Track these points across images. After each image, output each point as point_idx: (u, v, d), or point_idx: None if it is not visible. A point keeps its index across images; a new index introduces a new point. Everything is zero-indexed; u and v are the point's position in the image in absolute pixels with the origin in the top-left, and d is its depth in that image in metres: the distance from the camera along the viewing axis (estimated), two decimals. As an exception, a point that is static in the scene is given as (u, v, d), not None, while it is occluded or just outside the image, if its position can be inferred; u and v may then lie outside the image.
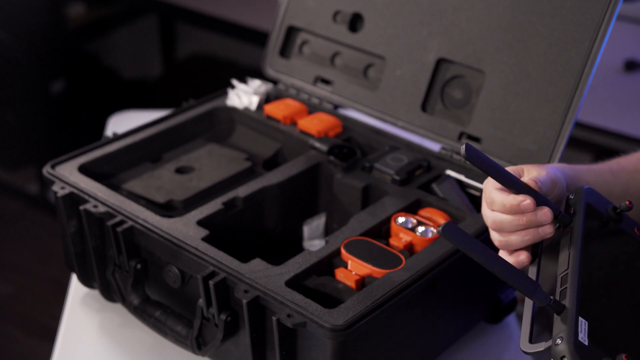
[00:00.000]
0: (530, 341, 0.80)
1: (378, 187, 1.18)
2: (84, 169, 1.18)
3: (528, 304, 0.83)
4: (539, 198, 0.84)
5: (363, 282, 1.01)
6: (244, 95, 1.35)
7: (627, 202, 0.87)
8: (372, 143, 1.27)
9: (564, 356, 0.74)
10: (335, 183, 1.21)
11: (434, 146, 1.26)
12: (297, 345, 0.97)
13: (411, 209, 1.14)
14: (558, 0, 1.14)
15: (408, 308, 1.00)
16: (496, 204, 0.85)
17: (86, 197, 1.12)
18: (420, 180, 1.19)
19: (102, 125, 1.72)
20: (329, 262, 1.04)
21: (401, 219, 1.09)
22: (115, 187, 1.18)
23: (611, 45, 1.15)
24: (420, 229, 1.07)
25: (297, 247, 1.24)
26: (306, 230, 1.24)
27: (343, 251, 1.03)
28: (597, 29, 1.11)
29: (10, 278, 2.57)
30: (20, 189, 2.93)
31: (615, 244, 0.87)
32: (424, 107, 1.27)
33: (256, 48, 2.21)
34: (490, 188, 0.86)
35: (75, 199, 1.13)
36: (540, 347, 0.77)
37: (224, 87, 1.38)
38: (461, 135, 1.22)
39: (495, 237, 0.87)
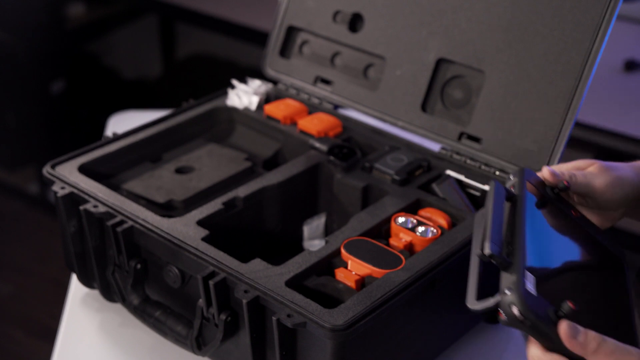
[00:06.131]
0: (477, 299, 0.81)
1: (378, 187, 1.18)
2: (84, 169, 1.18)
3: (474, 260, 0.84)
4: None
5: (363, 282, 1.01)
6: (244, 95, 1.35)
7: (565, 182, 0.92)
8: (372, 143, 1.28)
9: (512, 304, 0.76)
10: (335, 183, 1.22)
11: (434, 146, 1.26)
12: (297, 345, 0.97)
13: (411, 209, 1.14)
14: (558, 0, 1.14)
15: (408, 308, 1.00)
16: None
17: (86, 197, 1.12)
18: (420, 180, 1.19)
19: (102, 125, 1.72)
20: (329, 262, 1.04)
21: (401, 219, 1.09)
22: (115, 187, 1.18)
23: (611, 45, 1.15)
24: (420, 229, 1.07)
25: (297, 247, 1.24)
26: (306, 230, 1.24)
27: (343, 251, 1.03)
28: (597, 29, 1.11)
29: (10, 278, 2.57)
30: (20, 189, 2.93)
31: (554, 218, 0.91)
32: (424, 107, 1.27)
33: (256, 48, 2.21)
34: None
35: (75, 199, 1.13)
36: (489, 302, 0.79)
37: (224, 87, 1.38)
38: (461, 135, 1.22)
39: None
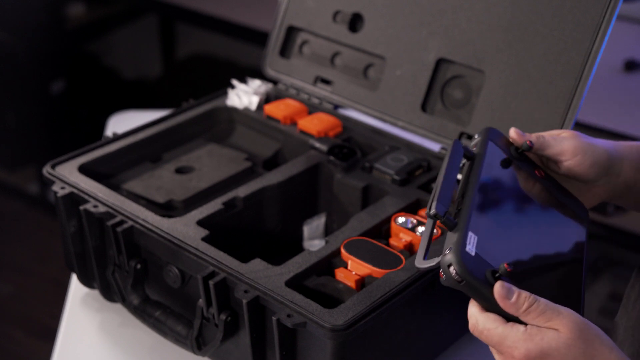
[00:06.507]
0: (425, 259, 0.83)
1: (378, 187, 1.18)
2: (84, 169, 1.18)
3: (428, 223, 0.85)
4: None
5: (363, 282, 1.01)
6: (244, 95, 1.35)
7: (528, 142, 0.92)
8: (372, 143, 1.27)
9: (450, 264, 0.77)
10: (335, 183, 1.22)
11: (434, 146, 1.26)
12: (297, 345, 0.97)
13: (411, 209, 1.14)
14: (558, 0, 1.14)
15: (408, 308, 1.00)
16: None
17: (86, 197, 1.12)
18: (420, 180, 1.19)
19: (102, 125, 1.72)
20: (329, 262, 1.04)
21: (401, 219, 1.09)
22: (115, 187, 1.18)
23: (611, 45, 1.15)
24: (420, 229, 1.07)
25: (297, 247, 1.24)
26: (306, 230, 1.24)
27: (343, 251, 1.03)
28: (597, 29, 1.11)
29: (10, 278, 2.57)
30: (20, 189, 2.93)
31: (516, 179, 0.91)
32: (424, 107, 1.27)
33: (256, 48, 2.21)
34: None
35: (75, 199, 1.13)
36: (433, 262, 0.80)
37: (224, 87, 1.38)
38: (461, 135, 1.22)
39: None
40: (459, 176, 0.90)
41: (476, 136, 0.92)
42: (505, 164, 0.91)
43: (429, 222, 0.85)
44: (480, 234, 0.81)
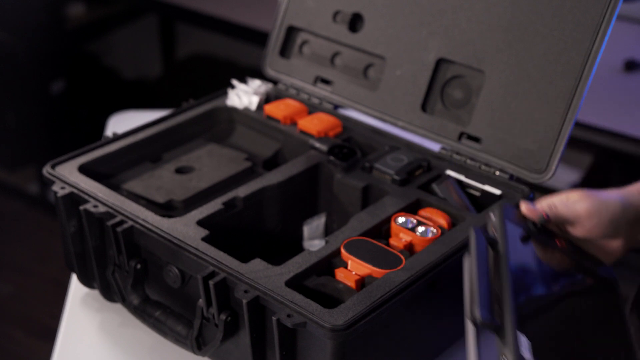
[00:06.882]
0: None
1: (378, 187, 1.18)
2: (84, 169, 1.18)
3: (471, 333, 0.81)
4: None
5: (363, 282, 1.01)
6: (244, 95, 1.35)
7: (544, 214, 0.91)
8: (372, 143, 1.28)
9: None
10: (335, 183, 1.22)
11: (434, 146, 1.26)
12: (297, 345, 0.97)
13: (411, 209, 1.14)
14: (558, 0, 1.14)
15: (408, 308, 1.00)
16: None
17: (86, 197, 1.12)
18: (420, 180, 1.19)
19: (102, 125, 1.72)
20: (329, 262, 1.04)
21: (401, 219, 1.09)
22: (115, 187, 1.18)
23: (611, 45, 1.15)
24: (420, 229, 1.07)
25: (297, 247, 1.24)
26: (306, 230, 1.24)
27: (343, 251, 1.03)
28: (597, 29, 1.11)
29: (10, 278, 2.57)
30: (20, 189, 2.93)
31: (538, 254, 0.90)
32: (424, 107, 1.27)
33: (256, 48, 2.21)
34: None
35: (75, 199, 1.13)
36: None
37: (224, 87, 1.38)
38: (461, 135, 1.22)
39: None
40: None
41: (492, 216, 0.90)
42: (525, 239, 0.90)
43: (472, 330, 0.81)
44: (527, 331, 0.78)
